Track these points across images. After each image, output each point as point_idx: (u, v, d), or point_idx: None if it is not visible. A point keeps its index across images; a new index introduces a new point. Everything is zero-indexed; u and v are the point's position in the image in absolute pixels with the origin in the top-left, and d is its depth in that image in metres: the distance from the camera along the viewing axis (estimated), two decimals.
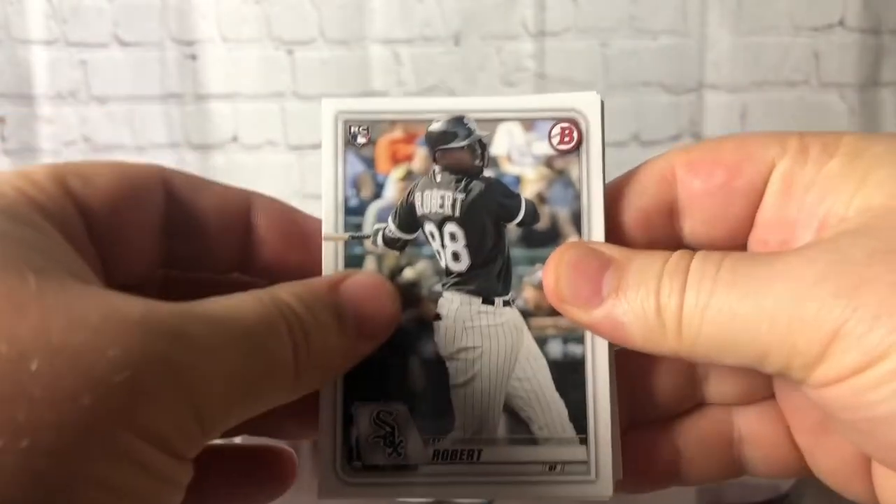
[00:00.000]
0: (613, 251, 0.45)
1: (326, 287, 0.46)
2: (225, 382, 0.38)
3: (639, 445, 0.50)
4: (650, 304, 0.43)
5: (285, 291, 0.43)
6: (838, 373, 0.38)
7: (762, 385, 0.52)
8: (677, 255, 0.43)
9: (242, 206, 0.50)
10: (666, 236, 0.50)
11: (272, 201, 0.51)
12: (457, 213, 0.49)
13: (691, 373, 0.52)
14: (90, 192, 0.44)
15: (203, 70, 1.96)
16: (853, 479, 0.48)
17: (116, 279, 0.47)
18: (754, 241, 0.48)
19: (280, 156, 1.98)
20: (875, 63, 1.99)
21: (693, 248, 0.48)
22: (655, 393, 0.51)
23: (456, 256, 0.49)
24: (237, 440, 0.51)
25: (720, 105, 2.00)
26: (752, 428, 0.51)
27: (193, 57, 1.95)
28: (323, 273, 0.49)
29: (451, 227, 0.49)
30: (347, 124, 0.49)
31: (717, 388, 0.52)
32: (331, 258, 0.49)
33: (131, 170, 0.47)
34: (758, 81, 1.99)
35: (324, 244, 0.49)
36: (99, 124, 1.92)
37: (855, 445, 0.43)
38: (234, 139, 1.97)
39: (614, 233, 0.49)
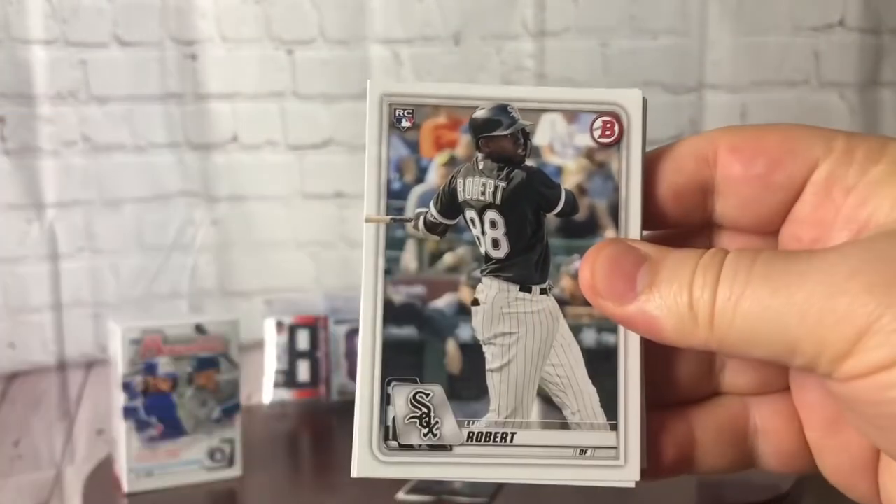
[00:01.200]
0: (649, 249, 0.46)
1: None
2: None
3: (655, 430, 0.51)
4: (683, 299, 0.44)
5: None
6: (866, 367, 0.39)
7: (777, 377, 0.52)
8: (712, 252, 0.44)
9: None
10: (697, 213, 0.50)
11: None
12: (498, 201, 0.50)
13: (709, 361, 0.53)
14: None
15: (203, 70, 1.97)
16: (859, 479, 0.49)
17: None
18: (786, 234, 0.49)
19: (280, 156, 1.99)
20: (875, 63, 2.00)
21: (719, 229, 0.49)
22: (672, 378, 0.52)
23: (496, 243, 0.50)
24: None
25: (720, 105, 2.01)
26: (767, 421, 0.52)
27: (193, 57, 1.96)
28: (363, 253, 0.49)
29: (491, 215, 0.50)
30: (393, 107, 0.50)
31: (733, 377, 0.53)
32: (372, 240, 0.50)
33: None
34: (758, 81, 2.00)
35: (365, 226, 0.50)
36: (99, 124, 1.93)
37: (872, 441, 0.44)
38: (234, 139, 1.98)
39: (647, 205, 0.50)
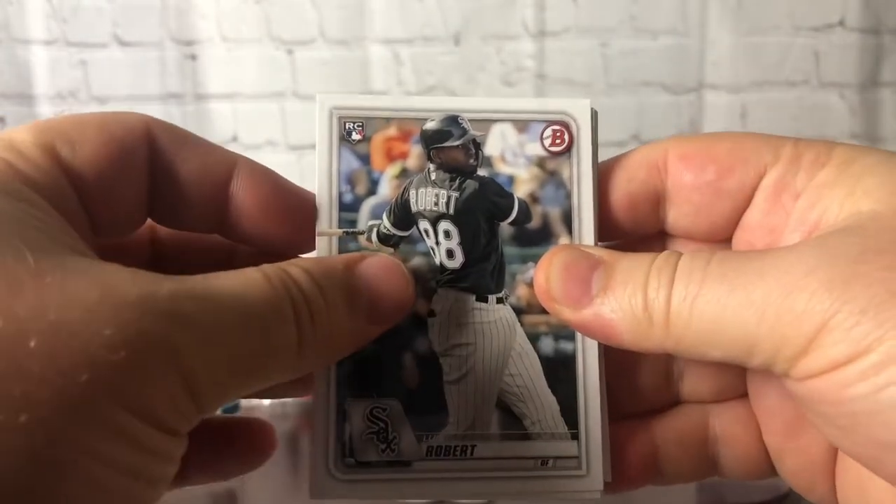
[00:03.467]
0: (603, 253, 0.46)
1: (342, 266, 0.46)
2: (223, 363, 0.39)
3: (618, 442, 0.51)
4: (637, 300, 0.44)
5: (297, 268, 0.44)
6: (824, 364, 0.39)
7: (735, 383, 0.52)
8: (665, 254, 0.44)
9: (225, 170, 0.50)
10: (649, 222, 0.50)
11: (258, 170, 0.50)
12: (451, 211, 0.49)
13: (667, 370, 0.53)
14: (79, 159, 0.44)
15: (203, 70, 1.96)
16: (818, 481, 0.49)
17: (106, 237, 0.47)
18: (738, 241, 0.49)
19: (280, 156, 1.98)
20: (875, 63, 1.99)
21: (672, 237, 0.49)
22: (632, 389, 0.52)
23: (450, 254, 0.50)
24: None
25: (720, 105, 2.00)
26: (726, 427, 0.52)
27: (193, 57, 1.95)
28: None
29: (445, 225, 0.50)
30: (342, 120, 0.50)
31: (692, 385, 0.53)
32: (325, 253, 0.49)
33: (117, 129, 0.47)
34: (758, 81, 1.98)
35: (318, 239, 0.49)
36: None
37: (833, 442, 0.43)
38: (234, 139, 1.99)
39: (601, 213, 0.50)
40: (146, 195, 0.48)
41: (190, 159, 0.49)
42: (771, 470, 0.52)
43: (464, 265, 0.50)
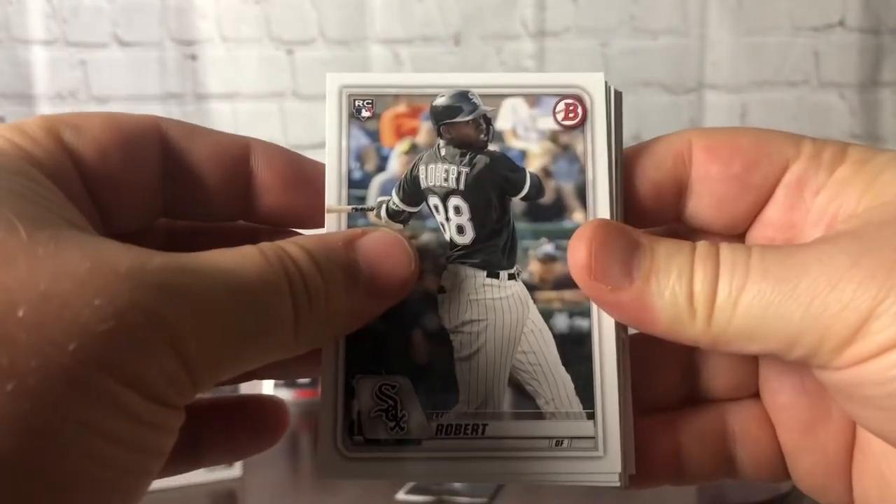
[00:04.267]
0: (639, 234, 0.45)
1: (342, 242, 0.45)
2: (216, 338, 0.38)
3: (639, 437, 0.50)
4: (682, 290, 0.43)
5: (295, 246, 0.43)
6: (871, 350, 0.39)
7: (750, 380, 0.52)
8: (703, 244, 0.44)
9: (241, 152, 0.50)
10: (669, 212, 0.50)
11: (272, 147, 0.50)
12: (461, 187, 0.49)
13: (683, 364, 0.52)
14: (83, 142, 0.44)
15: (203, 70, 1.96)
16: (833, 480, 0.49)
17: (117, 228, 0.47)
18: (755, 236, 0.49)
19: None
20: (875, 63, 1.99)
21: (687, 228, 0.48)
22: (646, 383, 0.51)
23: (460, 229, 0.49)
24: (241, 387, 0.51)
25: (720, 105, 2.00)
26: (743, 426, 0.52)
27: (193, 57, 1.95)
28: None
29: (455, 201, 0.49)
30: (352, 98, 0.49)
31: (706, 381, 0.52)
32: (333, 230, 0.49)
33: (125, 119, 0.47)
34: (758, 81, 1.99)
35: (326, 216, 0.49)
36: None
37: (871, 425, 0.43)
38: None
39: (629, 201, 0.49)
40: (159, 185, 0.48)
41: (202, 145, 0.49)
42: (783, 472, 0.51)
43: (474, 241, 0.49)
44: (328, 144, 0.49)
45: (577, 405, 0.48)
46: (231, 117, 1.97)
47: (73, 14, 1.90)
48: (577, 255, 0.45)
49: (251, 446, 0.52)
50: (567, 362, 0.49)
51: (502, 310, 0.49)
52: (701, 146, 0.48)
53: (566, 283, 0.48)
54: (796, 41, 1.98)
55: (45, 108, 1.90)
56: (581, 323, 0.49)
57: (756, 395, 0.52)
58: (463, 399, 0.48)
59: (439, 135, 0.49)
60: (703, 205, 0.49)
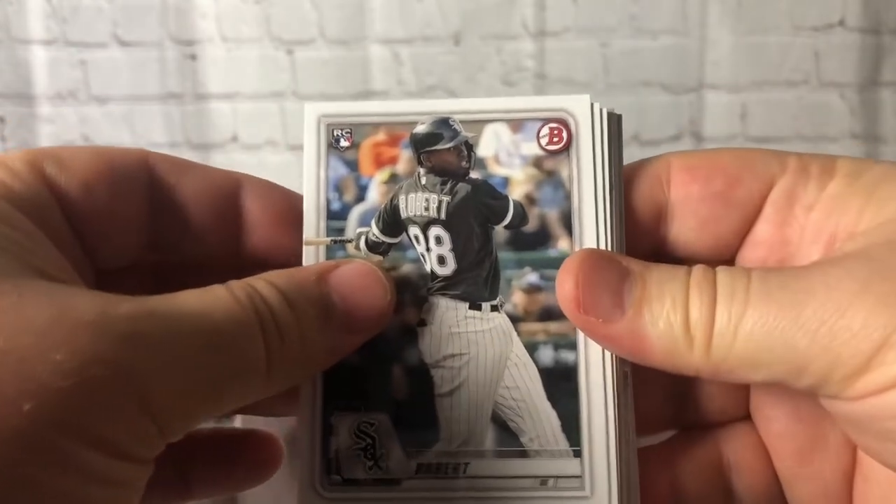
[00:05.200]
0: (630, 261, 0.43)
1: (314, 277, 0.43)
2: (184, 384, 0.36)
3: (641, 472, 0.48)
4: (677, 318, 0.41)
5: (265, 283, 0.41)
6: (886, 381, 0.37)
7: (740, 403, 0.50)
8: (699, 268, 0.42)
9: (231, 189, 0.48)
10: (648, 239, 0.48)
11: (263, 184, 0.49)
12: (442, 216, 0.47)
13: (675, 390, 0.50)
14: (67, 176, 0.43)
15: (203, 70, 1.94)
16: None
17: (102, 264, 0.45)
18: (747, 258, 0.47)
19: (280, 156, 1.96)
20: (875, 63, 1.98)
21: (674, 255, 0.46)
22: (637, 410, 0.49)
23: (441, 260, 0.47)
24: (237, 421, 0.50)
25: (720, 105, 1.98)
26: (738, 455, 0.50)
27: (193, 57, 1.93)
28: None
29: (436, 231, 0.47)
30: (330, 128, 0.47)
31: (698, 407, 0.51)
32: (311, 262, 0.46)
33: (112, 154, 0.45)
34: (758, 81, 1.97)
35: (304, 249, 0.47)
36: (98, 124, 1.91)
37: (887, 459, 0.41)
38: (234, 139, 1.96)
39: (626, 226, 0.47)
40: (146, 221, 0.47)
41: (191, 181, 0.48)
42: (783, 501, 0.50)
43: (456, 272, 0.47)
44: (306, 175, 0.47)
45: (562, 442, 0.46)
46: (231, 117, 1.96)
47: (72, 14, 1.89)
48: (565, 288, 0.43)
49: (243, 483, 0.51)
50: (552, 397, 0.47)
51: (485, 343, 0.47)
52: (679, 167, 0.47)
53: (551, 314, 0.46)
54: (796, 41, 1.97)
55: (45, 108, 1.89)
56: (567, 356, 0.47)
57: (748, 417, 0.50)
58: (444, 437, 0.47)
59: (420, 163, 0.47)
60: (686, 228, 0.47)
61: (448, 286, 0.46)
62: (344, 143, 0.47)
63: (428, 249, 0.46)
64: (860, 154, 2.02)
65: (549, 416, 0.46)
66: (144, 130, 1.94)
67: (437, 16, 1.96)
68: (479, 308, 0.47)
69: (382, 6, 1.96)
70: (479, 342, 0.46)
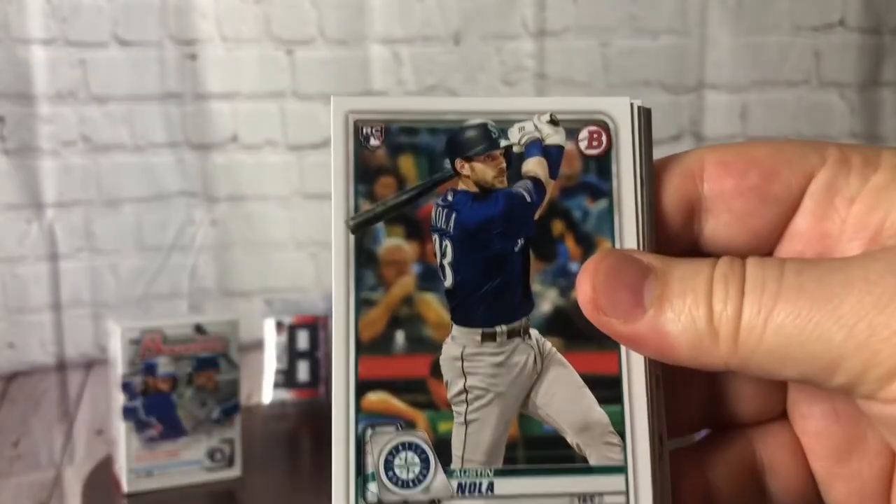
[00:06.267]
0: (652, 259, 0.40)
1: None
2: None
3: (672, 476, 0.46)
4: (700, 312, 0.38)
5: None
6: None
7: (776, 402, 0.48)
8: (726, 260, 0.39)
9: None
10: (682, 237, 0.45)
11: None
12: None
13: (709, 389, 0.48)
14: None
15: (202, 70, 1.93)
16: None
17: None
18: (784, 253, 0.44)
19: (280, 155, 1.95)
20: (875, 63, 1.99)
21: (707, 253, 0.44)
22: (669, 411, 0.46)
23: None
24: None
25: (720, 104, 1.98)
26: (773, 455, 0.48)
27: (193, 56, 1.92)
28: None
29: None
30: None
31: (732, 406, 0.48)
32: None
33: None
34: (758, 81, 1.98)
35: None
36: (98, 124, 1.89)
37: None
38: (234, 139, 1.94)
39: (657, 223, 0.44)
40: None
41: None
42: (818, 499, 0.47)
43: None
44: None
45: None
46: (231, 117, 1.94)
47: (72, 13, 1.86)
48: (583, 291, 0.40)
49: None
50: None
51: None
52: (713, 161, 0.44)
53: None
54: (796, 41, 1.97)
55: (45, 108, 1.87)
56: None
57: (784, 416, 0.48)
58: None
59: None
60: (720, 223, 0.44)
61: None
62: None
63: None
64: None
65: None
66: (144, 130, 1.90)
67: (437, 16, 1.94)
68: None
69: (382, 6, 1.94)
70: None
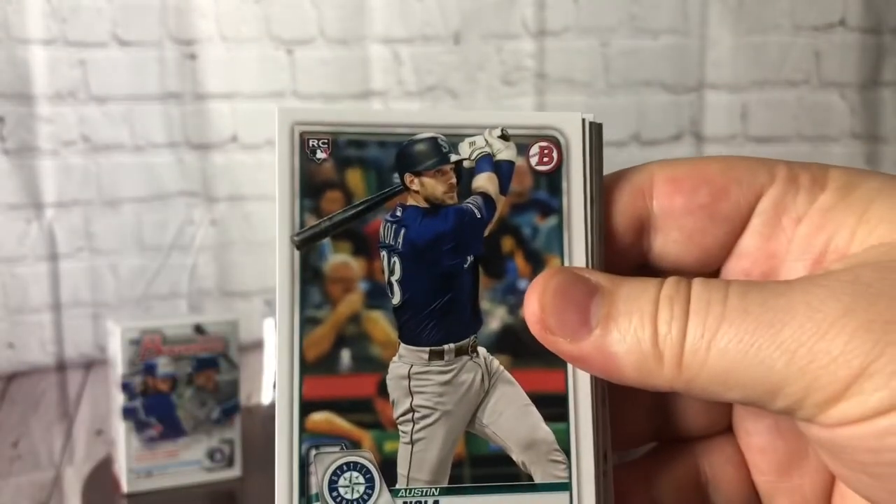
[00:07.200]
0: (600, 277, 0.40)
1: None
2: None
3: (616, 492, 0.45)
4: (645, 333, 0.38)
5: None
6: (863, 412, 0.35)
7: (721, 417, 0.48)
8: (672, 280, 0.39)
9: None
10: (631, 254, 0.45)
11: None
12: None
13: (654, 404, 0.48)
14: None
15: (202, 69, 1.92)
16: None
17: None
18: (731, 270, 0.44)
19: None
20: (875, 63, 1.99)
21: (656, 270, 0.43)
22: (614, 425, 0.46)
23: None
24: None
25: (721, 104, 1.98)
26: (716, 469, 0.48)
27: (193, 56, 1.91)
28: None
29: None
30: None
31: (677, 421, 0.48)
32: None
33: None
34: (758, 81, 1.97)
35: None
36: (98, 124, 1.88)
37: (858, 489, 0.39)
38: (234, 139, 1.94)
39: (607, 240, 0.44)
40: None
41: None
42: None
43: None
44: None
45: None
46: (231, 117, 1.93)
47: (72, 13, 1.86)
48: (530, 309, 0.40)
49: None
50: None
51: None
52: (663, 178, 0.44)
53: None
54: (797, 41, 1.96)
55: (45, 108, 1.86)
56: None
57: (729, 430, 0.48)
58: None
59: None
60: (670, 241, 0.44)
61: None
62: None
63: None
64: (861, 153, 2.01)
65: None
66: (144, 130, 1.90)
67: (437, 15, 1.94)
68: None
69: (382, 6, 1.93)
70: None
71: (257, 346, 1.81)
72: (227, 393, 1.39)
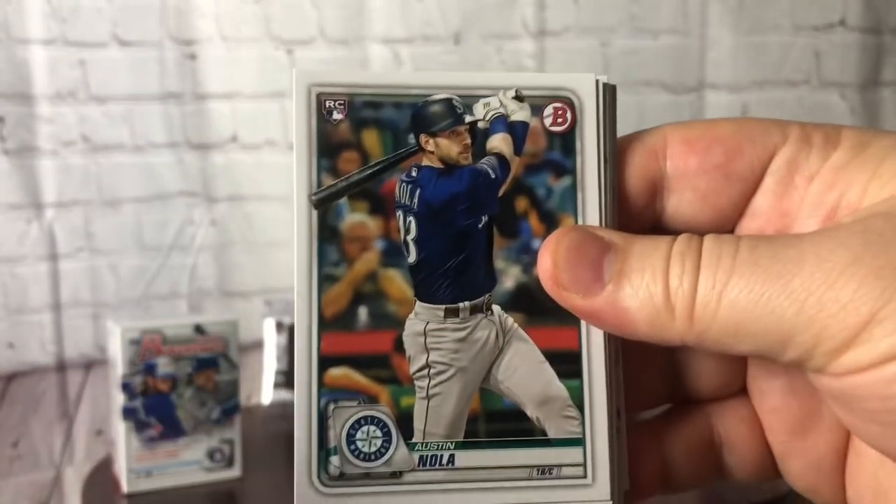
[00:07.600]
0: (612, 235, 0.41)
1: None
2: None
3: (629, 449, 0.46)
4: (657, 288, 0.38)
5: None
6: (872, 359, 0.35)
7: (735, 378, 0.48)
8: (684, 237, 0.39)
9: None
10: (645, 215, 0.45)
11: None
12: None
13: (668, 365, 0.48)
14: None
15: (202, 69, 1.93)
16: (825, 482, 0.46)
17: None
18: (744, 230, 0.44)
19: (279, 155, 1.95)
20: (876, 62, 1.99)
21: (670, 231, 0.44)
22: (629, 387, 0.47)
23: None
24: None
25: (721, 104, 1.98)
26: (730, 430, 0.48)
27: (193, 56, 1.92)
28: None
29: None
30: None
31: (691, 382, 0.48)
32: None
33: None
34: (758, 81, 1.97)
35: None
36: (98, 124, 1.89)
37: (869, 439, 0.39)
38: (234, 139, 1.94)
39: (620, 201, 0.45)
40: None
41: None
42: (775, 472, 0.48)
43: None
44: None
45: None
46: (231, 117, 1.94)
47: (72, 13, 1.86)
48: (544, 265, 0.41)
49: None
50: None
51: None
52: (676, 139, 0.44)
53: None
54: (797, 41, 1.97)
55: (45, 108, 1.87)
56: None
57: (743, 392, 0.48)
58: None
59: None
60: (684, 201, 0.44)
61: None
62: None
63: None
64: None
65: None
66: (144, 130, 1.90)
67: (438, 15, 1.94)
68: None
69: (382, 5, 1.94)
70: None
71: (257, 346, 1.82)
72: (227, 393, 1.40)
